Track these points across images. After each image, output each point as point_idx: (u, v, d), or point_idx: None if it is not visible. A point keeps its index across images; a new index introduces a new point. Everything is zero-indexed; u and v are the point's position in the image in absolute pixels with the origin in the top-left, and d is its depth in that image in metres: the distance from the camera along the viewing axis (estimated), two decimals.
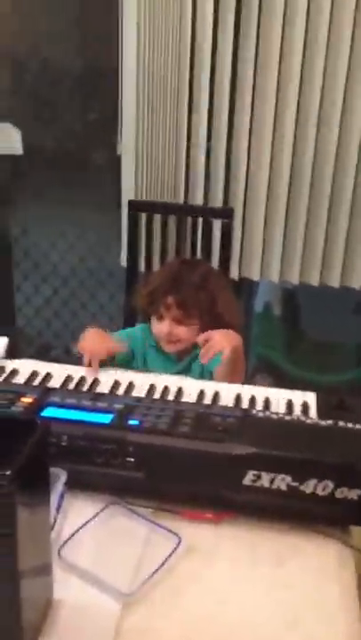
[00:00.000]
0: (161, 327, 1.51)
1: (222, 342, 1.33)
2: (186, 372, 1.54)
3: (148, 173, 2.20)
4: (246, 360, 2.34)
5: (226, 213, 1.85)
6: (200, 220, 1.83)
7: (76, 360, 1.33)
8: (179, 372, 1.52)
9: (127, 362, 1.58)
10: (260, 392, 1.18)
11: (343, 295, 2.54)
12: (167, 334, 1.50)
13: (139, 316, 1.84)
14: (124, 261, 2.22)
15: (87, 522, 0.93)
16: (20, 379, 1.22)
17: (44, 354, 2.67)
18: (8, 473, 0.64)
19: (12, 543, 0.66)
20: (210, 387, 1.20)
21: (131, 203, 1.89)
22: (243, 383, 1.28)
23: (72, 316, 2.85)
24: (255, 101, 2.17)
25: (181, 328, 1.50)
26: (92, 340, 1.39)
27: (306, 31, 2.07)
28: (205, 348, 1.34)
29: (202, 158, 2.23)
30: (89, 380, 1.22)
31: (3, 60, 2.67)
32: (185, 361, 1.56)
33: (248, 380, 1.36)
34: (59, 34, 2.57)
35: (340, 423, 1.02)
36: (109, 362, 1.37)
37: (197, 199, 2.27)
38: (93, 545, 0.90)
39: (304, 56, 2.10)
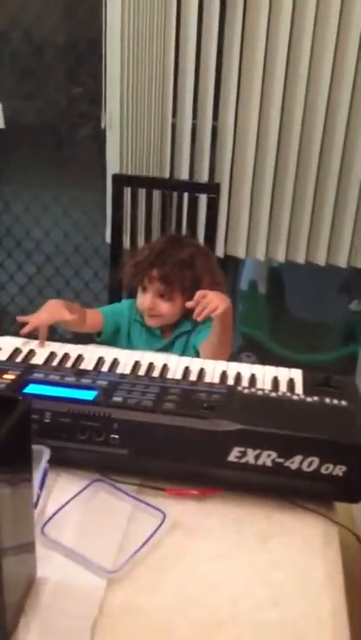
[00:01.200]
0: (143, 300, 1.51)
1: (216, 300, 1.32)
2: (170, 348, 1.53)
3: (134, 148, 2.17)
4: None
5: (212, 188, 1.82)
6: (186, 195, 1.80)
7: (59, 338, 1.31)
8: (163, 348, 1.51)
9: (112, 337, 1.56)
10: (246, 369, 1.17)
11: (328, 274, 2.53)
12: (148, 308, 1.50)
13: (123, 292, 1.82)
14: (108, 238, 2.20)
15: (71, 499, 0.92)
16: (2, 355, 1.20)
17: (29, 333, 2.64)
18: None
19: None
20: (195, 364, 1.19)
21: (115, 177, 1.86)
22: (228, 361, 1.27)
23: (56, 293, 2.82)
24: (242, 76, 2.14)
25: (163, 303, 1.49)
26: (41, 311, 1.36)
27: (293, 3, 2.04)
28: (200, 305, 1.32)
29: (188, 134, 2.20)
30: (73, 357, 1.20)
31: None
32: (170, 337, 1.55)
33: (232, 359, 1.35)
34: (40, 2, 2.50)
35: (326, 400, 1.01)
36: (95, 337, 1.36)
37: (183, 176, 2.24)
38: (77, 522, 0.89)
39: (291, 30, 2.07)
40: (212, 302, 1.32)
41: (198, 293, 1.34)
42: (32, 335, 1.28)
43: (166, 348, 1.52)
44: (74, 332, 1.51)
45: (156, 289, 1.49)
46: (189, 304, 1.34)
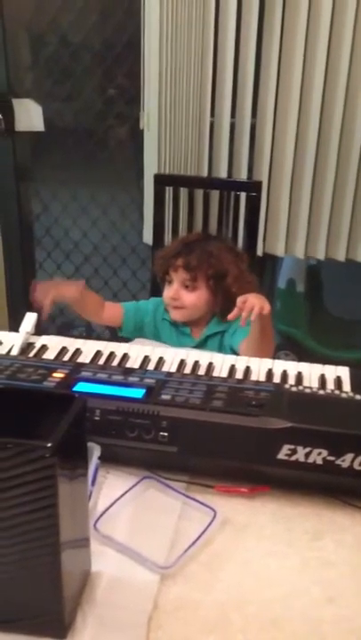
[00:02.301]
0: (168, 291, 1.51)
1: (259, 302, 1.31)
2: (202, 348, 1.52)
3: (171, 148, 2.17)
4: None
5: (254, 186, 1.82)
6: (226, 193, 1.80)
7: (98, 338, 1.35)
8: (195, 349, 1.51)
9: (135, 334, 1.57)
10: (292, 367, 1.17)
11: None
12: (172, 298, 1.50)
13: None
14: (145, 238, 2.21)
15: (122, 495, 0.93)
16: (49, 354, 1.22)
17: (65, 332, 2.68)
18: (49, 445, 0.63)
19: (54, 514, 0.66)
20: (241, 362, 1.19)
21: (156, 176, 1.86)
22: None
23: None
24: (280, 73, 2.13)
25: (187, 293, 1.49)
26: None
27: (333, 1, 2.02)
28: (245, 311, 1.31)
29: (226, 133, 2.20)
30: (118, 355, 1.22)
31: (22, 36, 2.63)
32: (200, 337, 1.54)
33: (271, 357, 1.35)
34: (78, 7, 2.53)
35: None
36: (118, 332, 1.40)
37: (221, 175, 2.24)
38: (128, 518, 0.90)
39: (331, 27, 2.05)
40: (255, 306, 1.30)
41: (239, 300, 1.32)
42: (71, 333, 1.32)
43: (198, 349, 1.51)
44: (111, 332, 1.54)
45: (181, 278, 1.49)
46: (232, 315, 1.32)
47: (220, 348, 1.51)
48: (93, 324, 1.47)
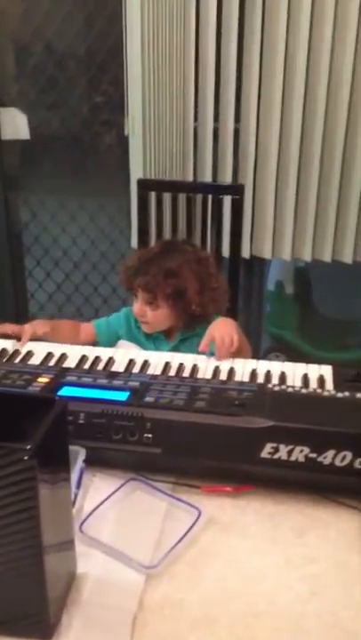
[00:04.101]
0: (135, 306, 1.52)
1: (226, 338, 1.28)
2: (177, 351, 1.52)
3: (156, 153, 2.19)
4: (259, 339, 2.32)
5: (236, 190, 1.83)
6: (210, 197, 1.82)
7: None
8: (170, 351, 1.51)
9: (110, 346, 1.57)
10: (276, 367, 1.18)
11: (355, 271, 2.52)
12: (137, 314, 1.51)
13: None
14: (133, 243, 2.22)
15: (107, 497, 0.94)
16: (35, 360, 1.22)
17: None
18: (29, 447, 0.64)
19: (35, 516, 0.66)
20: (225, 363, 1.20)
21: (139, 181, 1.87)
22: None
23: (84, 300, 2.86)
24: (262, 78, 2.15)
25: (150, 310, 1.49)
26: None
27: (312, 4, 2.04)
28: (219, 350, 1.28)
29: (210, 137, 2.22)
30: (104, 359, 1.23)
31: (7, 45, 2.65)
32: (175, 341, 1.54)
33: (261, 359, 1.35)
34: (62, 16, 2.54)
35: (358, 395, 1.02)
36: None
37: (206, 179, 2.26)
38: (114, 520, 0.91)
39: (311, 31, 2.08)
40: (225, 344, 1.28)
41: (204, 339, 1.32)
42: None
43: (174, 351, 1.51)
44: None
45: (142, 297, 1.49)
46: (201, 348, 1.30)
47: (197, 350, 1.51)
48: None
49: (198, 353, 1.29)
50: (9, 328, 1.35)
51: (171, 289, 1.46)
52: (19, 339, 1.32)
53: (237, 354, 1.30)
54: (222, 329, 1.32)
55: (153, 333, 1.54)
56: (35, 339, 1.36)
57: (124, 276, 1.55)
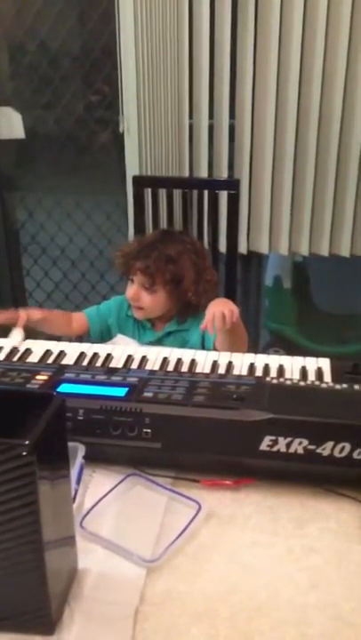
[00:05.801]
0: (129, 291, 1.53)
1: (226, 311, 1.31)
2: (162, 342, 1.54)
3: (152, 150, 2.19)
4: (258, 335, 2.32)
5: (232, 185, 1.83)
6: (206, 192, 1.82)
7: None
8: (155, 342, 1.52)
9: (104, 335, 1.58)
10: (274, 360, 1.18)
11: (353, 265, 2.52)
12: (131, 298, 1.52)
13: None
14: (131, 239, 2.22)
15: (107, 493, 0.94)
16: (33, 358, 1.23)
17: (55, 338, 2.68)
18: (27, 442, 0.64)
19: (35, 512, 0.66)
20: (223, 357, 1.21)
21: (135, 178, 1.88)
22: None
23: (83, 298, 2.86)
24: (257, 74, 2.15)
25: (146, 295, 1.50)
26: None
27: (305, 0, 2.04)
28: (213, 321, 1.32)
29: (205, 134, 2.22)
30: (102, 356, 1.23)
31: (0, 44, 2.65)
32: (162, 332, 1.55)
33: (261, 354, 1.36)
34: (55, 14, 2.54)
35: (356, 387, 1.02)
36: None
37: (202, 174, 2.26)
38: (115, 515, 0.91)
39: (304, 26, 2.08)
40: (226, 316, 1.30)
41: (208, 313, 1.33)
42: (60, 338, 1.36)
43: (158, 343, 1.53)
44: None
45: (140, 281, 1.51)
46: (203, 326, 1.33)
47: (183, 345, 1.52)
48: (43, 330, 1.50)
49: (185, 347, 1.30)
50: (3, 316, 1.37)
51: (170, 275, 1.49)
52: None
53: (236, 329, 1.33)
54: (221, 305, 1.35)
55: (142, 321, 1.55)
56: (29, 326, 1.38)
57: (121, 260, 1.56)
